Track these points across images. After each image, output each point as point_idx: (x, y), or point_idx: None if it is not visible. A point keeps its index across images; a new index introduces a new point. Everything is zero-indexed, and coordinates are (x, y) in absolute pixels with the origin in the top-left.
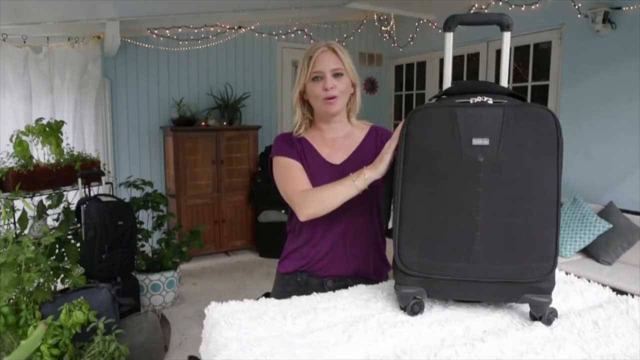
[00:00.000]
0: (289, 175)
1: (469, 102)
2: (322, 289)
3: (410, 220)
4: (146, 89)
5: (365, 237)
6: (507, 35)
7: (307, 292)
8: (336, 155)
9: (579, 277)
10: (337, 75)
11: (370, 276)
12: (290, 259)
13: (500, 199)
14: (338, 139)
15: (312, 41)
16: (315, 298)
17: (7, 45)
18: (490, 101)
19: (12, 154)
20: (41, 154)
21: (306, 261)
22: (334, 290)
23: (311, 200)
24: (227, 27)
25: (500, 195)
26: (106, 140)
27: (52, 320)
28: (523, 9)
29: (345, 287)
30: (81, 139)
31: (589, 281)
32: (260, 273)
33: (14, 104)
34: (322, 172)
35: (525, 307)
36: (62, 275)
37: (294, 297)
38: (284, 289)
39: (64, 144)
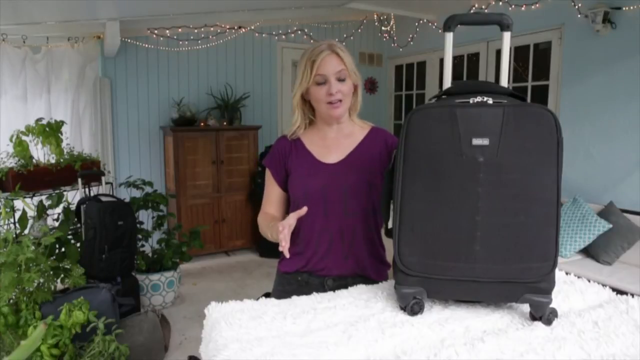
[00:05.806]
0: (266, 191)
1: (468, 102)
2: (322, 288)
3: (410, 220)
4: (146, 89)
5: (363, 237)
6: (507, 35)
7: (307, 292)
8: (332, 155)
9: (579, 277)
10: (340, 79)
11: (370, 275)
12: (290, 259)
13: (500, 199)
14: (338, 138)
15: (312, 41)
16: (315, 298)
17: (6, 45)
18: (490, 101)
19: (12, 154)
20: (41, 154)
21: (306, 261)
22: (334, 290)
23: (261, 227)
24: (227, 27)
25: (500, 195)
26: (106, 140)
27: (52, 320)
28: (523, 9)
29: (346, 286)
30: (79, 139)
31: (589, 281)
32: (260, 273)
33: (7, 104)
34: (314, 172)
35: (525, 307)
36: (62, 275)
37: (294, 297)
38: (284, 288)
39: (63, 144)
